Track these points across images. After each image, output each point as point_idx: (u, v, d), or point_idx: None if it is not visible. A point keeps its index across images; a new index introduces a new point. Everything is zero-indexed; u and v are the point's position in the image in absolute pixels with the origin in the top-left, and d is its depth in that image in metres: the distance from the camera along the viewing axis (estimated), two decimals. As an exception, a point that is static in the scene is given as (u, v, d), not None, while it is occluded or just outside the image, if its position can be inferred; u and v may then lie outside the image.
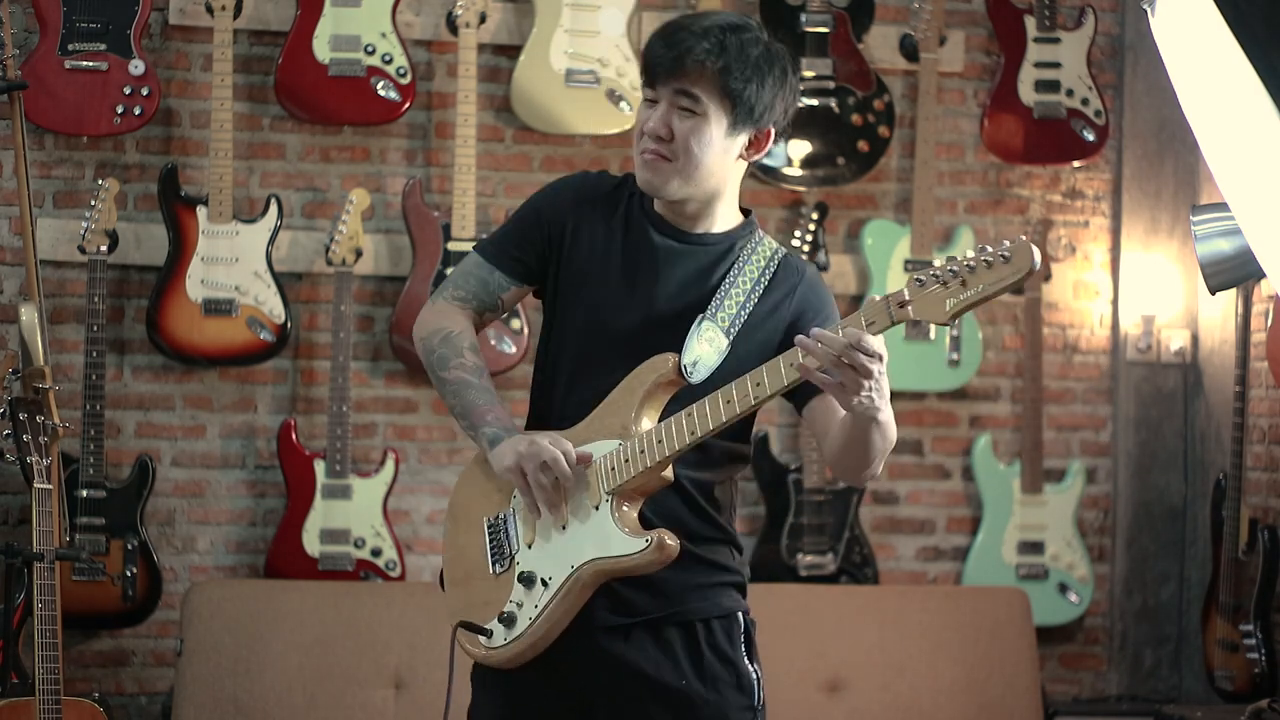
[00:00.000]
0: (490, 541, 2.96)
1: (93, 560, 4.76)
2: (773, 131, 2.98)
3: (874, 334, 2.66)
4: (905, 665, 4.95)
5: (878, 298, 2.69)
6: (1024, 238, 2.67)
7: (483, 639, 2.92)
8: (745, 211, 3.03)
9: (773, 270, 2.95)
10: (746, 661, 2.97)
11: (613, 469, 2.84)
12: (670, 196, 2.93)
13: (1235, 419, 4.90)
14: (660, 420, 2.86)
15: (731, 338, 2.89)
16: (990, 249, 2.62)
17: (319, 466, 4.95)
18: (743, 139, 2.94)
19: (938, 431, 5.41)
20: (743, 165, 2.98)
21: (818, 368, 2.67)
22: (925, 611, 5.03)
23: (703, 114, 2.88)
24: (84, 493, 4.77)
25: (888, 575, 5.36)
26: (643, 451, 2.82)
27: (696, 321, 2.88)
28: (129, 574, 4.82)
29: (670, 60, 2.88)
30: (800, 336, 2.68)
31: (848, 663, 4.92)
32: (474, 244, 3.08)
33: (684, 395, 2.87)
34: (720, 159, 2.92)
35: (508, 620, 2.90)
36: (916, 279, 2.66)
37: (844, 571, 5.23)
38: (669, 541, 2.81)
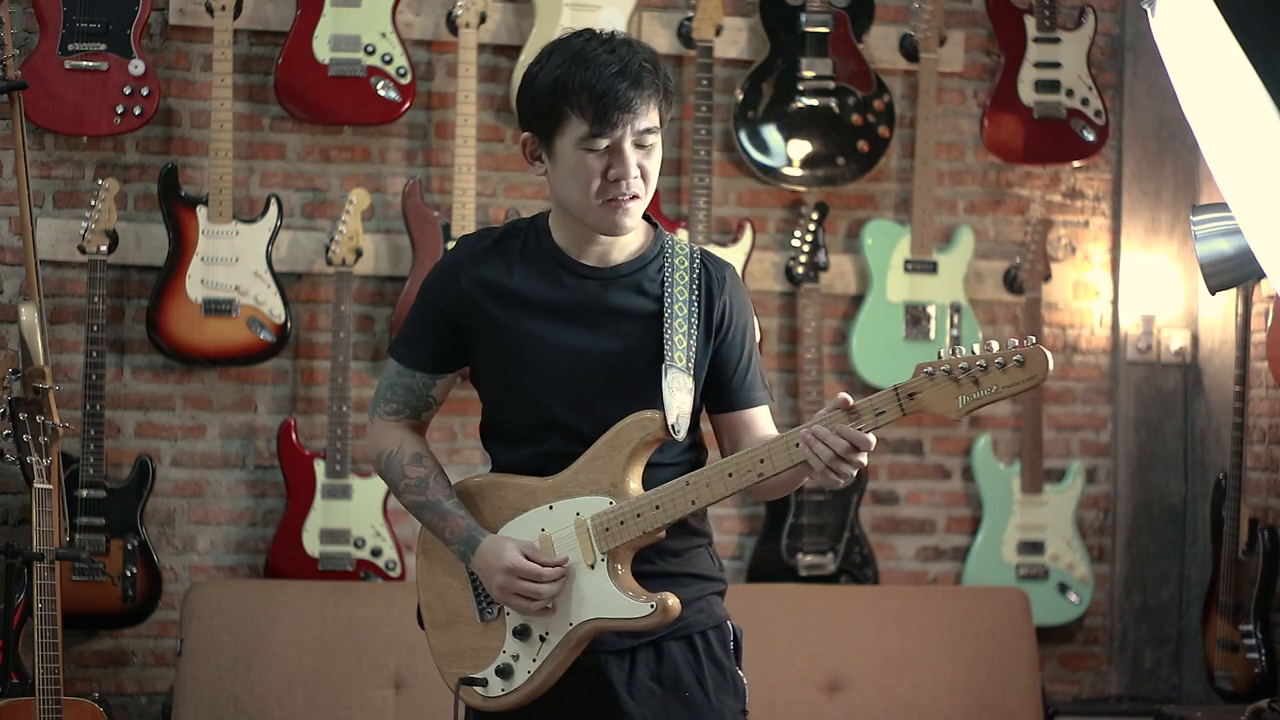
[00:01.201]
0: (475, 588, 2.98)
1: (93, 560, 4.76)
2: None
3: (883, 424, 2.74)
4: (905, 665, 4.95)
5: (888, 389, 2.75)
6: (1035, 340, 2.71)
7: (480, 689, 2.94)
8: (645, 218, 3.00)
9: (699, 285, 2.94)
10: (735, 667, 3.01)
11: (607, 530, 2.86)
12: (632, 230, 2.91)
13: (1235, 419, 4.90)
14: (645, 471, 2.88)
15: (693, 373, 2.91)
16: (1003, 351, 2.69)
17: (319, 466, 4.95)
18: None
19: (938, 431, 5.42)
20: None
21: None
22: (925, 611, 5.03)
23: (655, 142, 2.88)
24: (84, 493, 4.77)
25: (888, 575, 5.36)
26: (638, 516, 2.84)
27: (664, 374, 2.87)
28: (129, 574, 4.82)
29: (625, 103, 2.81)
30: (805, 434, 2.74)
31: (848, 663, 4.91)
32: (388, 349, 3.06)
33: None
34: None
35: (504, 672, 2.92)
36: (927, 370, 2.73)
37: (844, 571, 5.23)
38: (671, 604, 2.85)
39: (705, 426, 3.05)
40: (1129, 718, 5.24)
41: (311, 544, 4.94)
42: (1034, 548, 5.36)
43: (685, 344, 2.90)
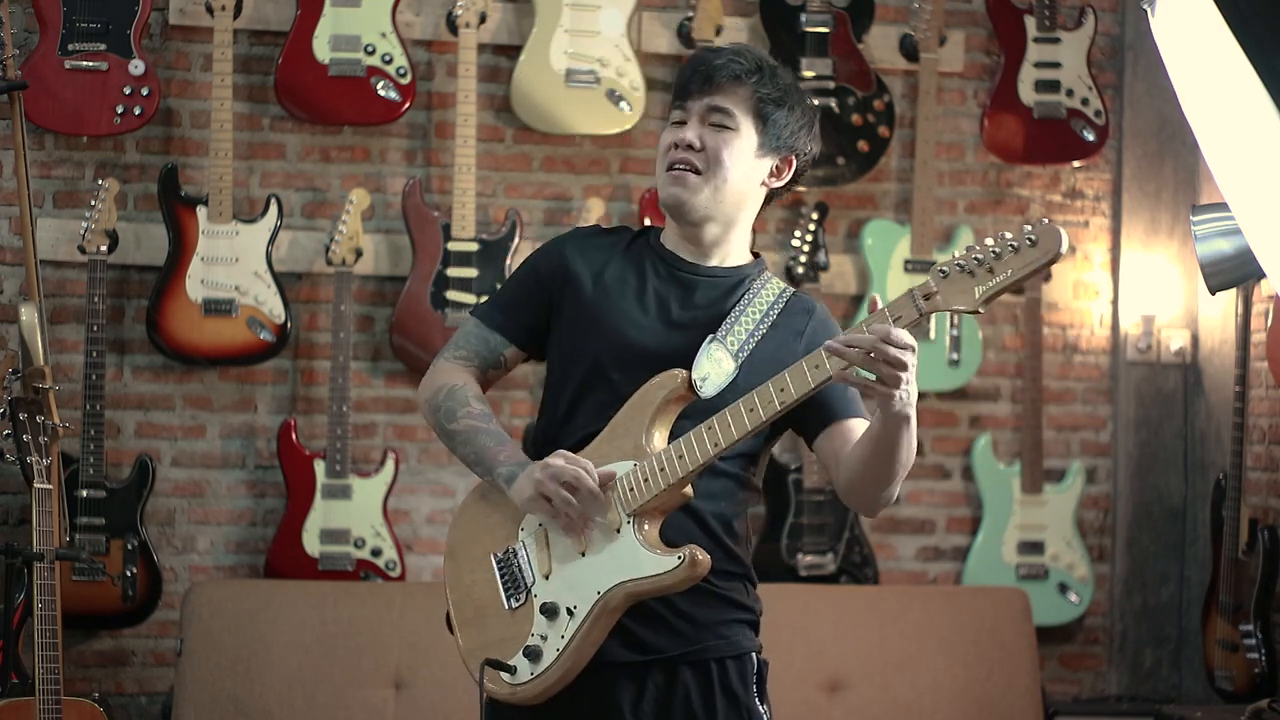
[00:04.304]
0: (502, 576, 2.93)
1: (93, 560, 4.76)
2: (795, 161, 2.97)
3: (901, 328, 2.63)
4: (905, 665, 4.95)
5: (904, 293, 2.66)
6: (1049, 220, 2.62)
7: (507, 676, 2.88)
8: (754, 254, 3.04)
9: (782, 304, 2.95)
10: (756, 702, 2.96)
11: (631, 490, 2.82)
12: (696, 212, 2.92)
13: (1235, 419, 4.90)
14: (671, 437, 2.84)
15: (739, 363, 2.87)
16: (1014, 234, 2.60)
17: (319, 466, 4.95)
18: (769, 163, 2.95)
19: (938, 431, 5.42)
20: (762, 194, 2.97)
21: (848, 368, 2.66)
22: (925, 611, 5.03)
23: (734, 129, 2.90)
24: (84, 493, 4.78)
25: (888, 575, 5.36)
26: (662, 470, 2.80)
27: (706, 341, 2.87)
28: (129, 574, 4.82)
29: (704, 75, 2.91)
30: (829, 342, 2.66)
31: (848, 663, 4.91)
32: (470, 310, 3.09)
33: (693, 413, 2.85)
34: (747, 177, 2.93)
35: (533, 654, 2.86)
36: (940, 270, 2.64)
37: (844, 571, 5.23)
38: (700, 557, 2.78)
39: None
40: (1129, 718, 5.24)
41: (311, 544, 4.94)
42: (1034, 548, 5.36)
43: (743, 336, 2.89)
